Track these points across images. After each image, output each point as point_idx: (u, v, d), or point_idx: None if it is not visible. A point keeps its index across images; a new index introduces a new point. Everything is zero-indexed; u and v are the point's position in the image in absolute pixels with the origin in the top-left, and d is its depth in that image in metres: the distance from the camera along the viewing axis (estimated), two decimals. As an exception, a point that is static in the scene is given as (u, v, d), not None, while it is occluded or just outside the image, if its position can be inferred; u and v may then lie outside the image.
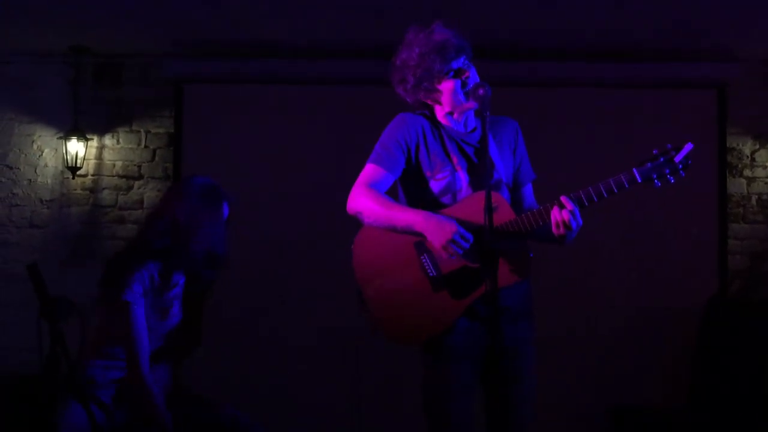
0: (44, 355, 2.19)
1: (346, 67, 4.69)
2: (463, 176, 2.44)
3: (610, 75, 4.66)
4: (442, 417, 2.39)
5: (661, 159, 2.28)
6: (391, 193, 2.48)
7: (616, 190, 2.29)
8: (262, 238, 4.64)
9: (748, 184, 4.78)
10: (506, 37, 4.41)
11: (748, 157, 4.79)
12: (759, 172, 4.78)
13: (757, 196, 4.77)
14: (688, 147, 2.27)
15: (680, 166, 2.26)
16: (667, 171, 2.27)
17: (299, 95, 4.77)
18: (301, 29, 4.42)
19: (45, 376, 2.19)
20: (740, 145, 4.78)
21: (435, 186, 2.45)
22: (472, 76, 2.42)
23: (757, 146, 4.79)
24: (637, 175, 2.28)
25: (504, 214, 2.34)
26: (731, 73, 4.63)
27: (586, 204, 2.29)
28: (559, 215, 2.26)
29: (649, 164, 2.28)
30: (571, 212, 2.25)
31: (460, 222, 2.33)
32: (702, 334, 4.32)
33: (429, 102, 2.50)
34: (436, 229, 2.30)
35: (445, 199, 2.45)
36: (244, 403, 3.02)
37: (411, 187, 2.50)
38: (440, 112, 2.51)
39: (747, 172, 4.78)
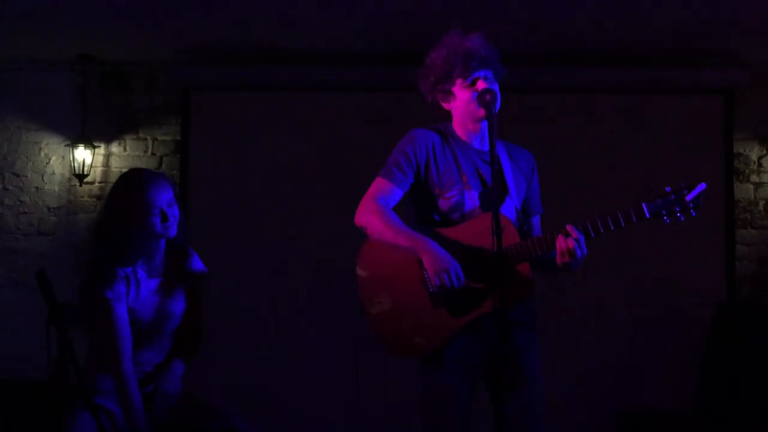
0: (52, 361, 2.20)
1: (355, 74, 4.70)
2: (473, 195, 2.43)
3: (616, 80, 4.66)
4: (440, 425, 2.40)
5: (673, 197, 2.26)
6: (398, 209, 2.50)
7: (623, 224, 2.26)
8: (267, 243, 4.67)
9: (755, 190, 4.77)
10: (507, 44, 4.41)
11: (755, 162, 4.78)
12: (766, 178, 4.77)
13: (764, 202, 4.76)
14: (700, 187, 2.25)
15: (691, 205, 2.25)
16: (678, 209, 2.26)
17: (307, 102, 4.77)
18: (308, 36, 4.43)
19: (53, 383, 2.19)
20: (747, 151, 4.77)
21: (444, 204, 2.44)
22: (488, 85, 2.39)
23: (764, 152, 4.77)
24: (645, 210, 2.26)
25: (509, 236, 2.31)
26: (738, 78, 4.62)
27: (593, 235, 2.27)
28: (564, 244, 2.25)
29: (660, 200, 2.26)
30: (576, 240, 2.24)
31: (463, 245, 2.35)
32: (710, 338, 4.30)
33: (445, 106, 2.49)
34: (432, 260, 2.30)
35: (454, 217, 2.43)
36: (241, 405, 3.03)
37: (421, 204, 2.49)
38: (457, 124, 2.50)
39: (754, 178, 4.77)
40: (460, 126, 2.50)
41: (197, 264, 2.75)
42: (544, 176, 2.63)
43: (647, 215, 2.25)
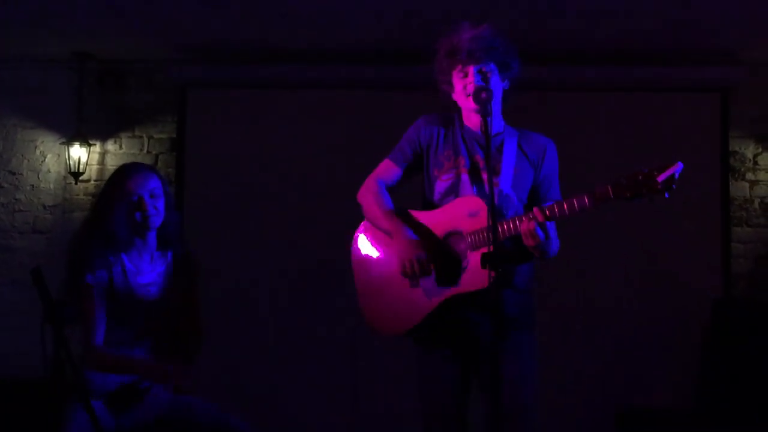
0: (49, 359, 2.19)
1: (350, 71, 4.69)
2: (466, 179, 2.48)
3: (612, 78, 4.66)
4: (432, 407, 2.48)
5: (640, 177, 2.13)
6: (395, 191, 2.61)
7: (588, 204, 2.20)
8: (265, 242, 4.66)
9: (751, 188, 4.78)
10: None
11: (750, 160, 4.79)
12: (762, 176, 4.78)
13: (759, 200, 4.77)
14: (674, 168, 2.10)
15: (661, 186, 2.10)
16: (645, 191, 2.12)
17: (303, 100, 4.76)
18: (306, 35, 4.42)
19: (50, 381, 2.19)
20: (743, 149, 4.78)
21: (440, 186, 2.51)
22: (476, 80, 2.43)
23: (760, 149, 4.78)
24: (610, 191, 2.18)
25: (482, 221, 2.34)
26: (735, 77, 4.62)
27: (557, 215, 2.25)
28: (526, 225, 2.26)
29: (623, 181, 2.15)
30: (540, 225, 2.24)
31: (440, 228, 2.44)
32: (708, 336, 4.31)
33: (453, 97, 2.56)
34: (401, 247, 2.42)
35: (448, 201, 2.50)
36: (239, 404, 3.02)
37: (425, 185, 2.60)
38: (463, 112, 2.58)
39: (750, 176, 4.78)
40: (464, 115, 2.57)
41: (191, 262, 2.74)
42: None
43: (611, 196, 2.16)
